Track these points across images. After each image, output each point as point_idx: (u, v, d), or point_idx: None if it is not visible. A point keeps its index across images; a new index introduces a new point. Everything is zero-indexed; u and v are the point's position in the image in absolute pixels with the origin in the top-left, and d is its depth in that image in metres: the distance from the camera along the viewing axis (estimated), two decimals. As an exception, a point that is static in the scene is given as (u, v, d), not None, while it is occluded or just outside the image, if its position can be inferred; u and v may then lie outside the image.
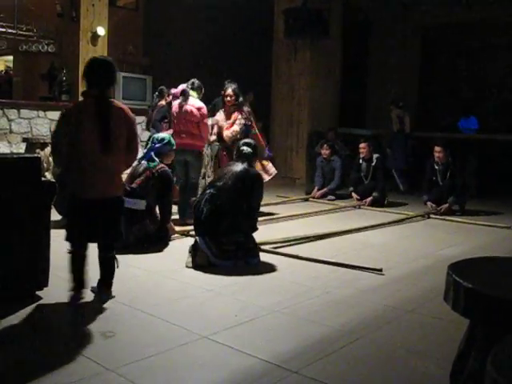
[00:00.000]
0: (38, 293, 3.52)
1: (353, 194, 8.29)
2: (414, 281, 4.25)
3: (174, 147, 5.45)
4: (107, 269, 3.57)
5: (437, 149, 7.50)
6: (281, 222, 6.55)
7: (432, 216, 7.17)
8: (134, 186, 5.01)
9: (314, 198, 8.56)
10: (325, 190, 8.63)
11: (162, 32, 10.92)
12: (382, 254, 5.06)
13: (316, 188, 8.70)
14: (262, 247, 4.90)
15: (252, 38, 11.38)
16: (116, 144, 3.38)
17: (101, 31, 8.12)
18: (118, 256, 3.63)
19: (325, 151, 8.72)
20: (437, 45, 12.13)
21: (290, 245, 5.28)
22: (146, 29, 10.86)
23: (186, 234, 5.49)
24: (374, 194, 7.95)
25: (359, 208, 7.88)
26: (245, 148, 4.79)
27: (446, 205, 7.32)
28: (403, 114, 9.87)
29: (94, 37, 8.12)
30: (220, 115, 6.77)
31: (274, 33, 10.83)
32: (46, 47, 9.17)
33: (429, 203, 7.51)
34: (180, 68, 10.76)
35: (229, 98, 6.61)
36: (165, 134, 5.55)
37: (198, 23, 11.13)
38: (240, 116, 6.57)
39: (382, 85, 11.88)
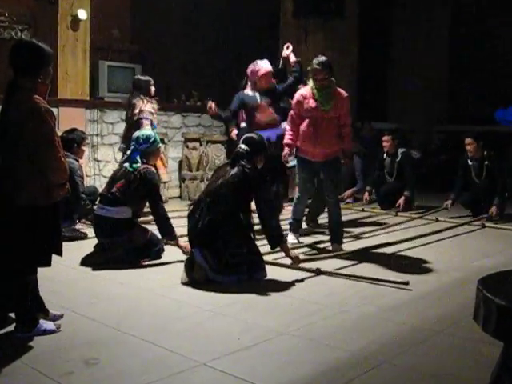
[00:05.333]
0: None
1: (365, 195, 8.27)
2: (443, 297, 4.25)
3: (160, 145, 5.47)
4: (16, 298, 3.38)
5: (467, 141, 7.47)
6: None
7: (487, 225, 7.09)
8: (113, 190, 5.03)
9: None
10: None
11: (152, 14, 10.94)
12: (407, 265, 5.06)
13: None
14: (269, 259, 4.91)
15: (257, 19, 11.39)
16: (14, 144, 3.27)
17: (82, 14, 8.15)
18: (102, 272, 3.65)
19: None
20: (469, 23, 12.10)
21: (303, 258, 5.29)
22: (134, 11, 10.88)
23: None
24: (406, 192, 7.88)
25: (395, 215, 7.78)
26: (243, 146, 4.78)
27: (493, 208, 7.26)
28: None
29: (75, 21, 8.16)
30: None
31: (281, 13, 10.85)
32: (19, 33, 9.20)
33: (448, 202, 7.55)
34: (174, 55, 10.79)
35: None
36: (149, 132, 5.53)
37: (194, 3, 11.16)
38: None
39: (405, 72, 11.87)
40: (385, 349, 3.25)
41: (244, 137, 4.93)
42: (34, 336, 3.29)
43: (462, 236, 6.54)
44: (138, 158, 5.13)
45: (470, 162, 7.55)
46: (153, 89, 7.18)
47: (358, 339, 3.39)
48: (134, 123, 6.95)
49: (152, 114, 7.03)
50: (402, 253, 5.60)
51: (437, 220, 7.36)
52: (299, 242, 5.82)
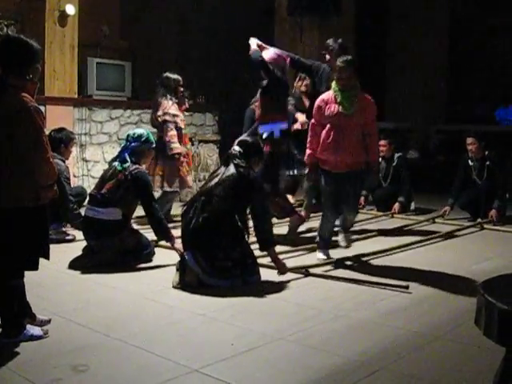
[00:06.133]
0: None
1: (361, 200, 8.16)
2: (443, 301, 4.25)
3: (154, 145, 5.44)
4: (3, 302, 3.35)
5: (469, 140, 7.46)
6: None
7: (465, 224, 7.15)
8: (103, 191, 5.01)
9: None
10: None
11: (143, 10, 10.94)
12: (406, 269, 5.06)
13: None
14: (263, 262, 4.91)
15: (250, 16, 11.40)
16: (1, 144, 3.24)
17: (70, 10, 8.13)
18: (91, 275, 3.64)
19: None
20: (468, 20, 12.14)
21: (296, 256, 5.31)
22: (123, 6, 10.87)
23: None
24: (400, 198, 7.88)
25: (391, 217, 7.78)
26: (236, 148, 4.79)
27: (493, 211, 7.22)
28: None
29: (62, 16, 8.14)
30: None
31: (275, 10, 10.86)
32: (5, 29, 9.20)
33: (447, 209, 7.49)
34: (165, 52, 10.79)
35: None
36: (142, 130, 5.48)
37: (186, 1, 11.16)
38: None
39: (403, 71, 11.90)
40: (382, 354, 3.25)
41: (238, 140, 4.97)
42: (20, 342, 3.27)
43: (461, 238, 6.55)
44: (128, 156, 5.11)
45: (470, 163, 7.54)
46: (181, 89, 7.04)
47: (354, 344, 3.39)
48: (158, 125, 6.90)
49: (176, 116, 6.82)
50: (401, 256, 5.61)
51: (433, 222, 7.37)
52: (329, 258, 5.31)
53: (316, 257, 5.31)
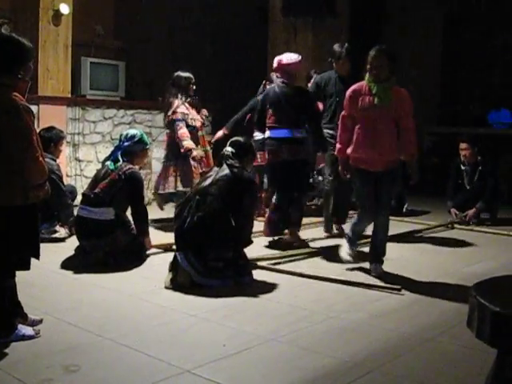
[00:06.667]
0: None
1: None
2: (435, 303, 4.27)
3: (148, 146, 5.45)
4: None
5: (462, 146, 7.49)
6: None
7: (457, 226, 7.20)
8: (96, 191, 5.01)
9: None
10: None
11: (137, 10, 10.92)
12: (398, 271, 5.07)
13: None
14: (256, 263, 4.91)
15: (243, 17, 11.39)
16: None
17: (64, 9, 8.10)
18: (83, 275, 3.63)
19: None
20: (464, 24, 12.16)
21: (290, 261, 5.30)
22: (118, 6, 10.85)
23: (167, 248, 5.48)
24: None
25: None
26: (228, 149, 4.81)
27: (472, 210, 7.30)
28: None
29: (56, 15, 8.10)
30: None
31: (269, 11, 10.86)
32: (-1, 28, 9.19)
33: (453, 210, 7.52)
34: (159, 52, 10.77)
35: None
36: (136, 131, 5.47)
37: (180, 0, 11.14)
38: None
39: (397, 71, 11.90)
40: (374, 356, 3.26)
41: (230, 140, 4.98)
42: (11, 341, 3.26)
43: (453, 241, 6.56)
44: (120, 156, 5.11)
45: (462, 167, 7.57)
46: (193, 87, 6.93)
47: (346, 346, 3.39)
48: (168, 125, 6.85)
49: (186, 114, 6.71)
50: (392, 258, 5.61)
51: (453, 227, 7.26)
52: (353, 258, 5.09)
53: (342, 250, 5.14)
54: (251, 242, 4.77)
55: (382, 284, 4.53)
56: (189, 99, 6.87)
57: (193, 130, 6.72)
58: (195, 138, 6.73)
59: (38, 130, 3.47)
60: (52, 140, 6.16)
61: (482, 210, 7.37)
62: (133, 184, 5.05)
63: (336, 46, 6.31)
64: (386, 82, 4.74)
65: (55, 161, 6.15)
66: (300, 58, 6.01)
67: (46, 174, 3.38)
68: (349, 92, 4.89)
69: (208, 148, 7.12)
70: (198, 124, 6.87)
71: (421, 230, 6.96)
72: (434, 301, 4.32)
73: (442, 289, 4.62)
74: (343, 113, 4.94)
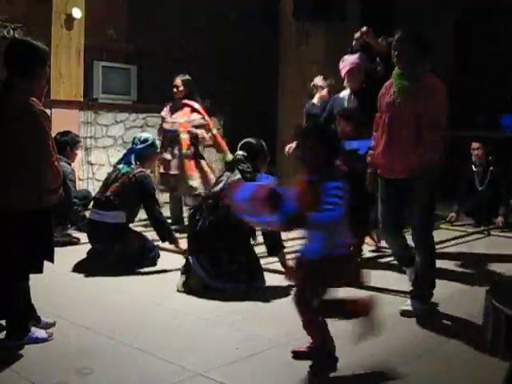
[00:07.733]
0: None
1: None
2: (451, 307, 4.22)
3: (158, 150, 5.47)
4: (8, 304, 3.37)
5: (475, 145, 7.44)
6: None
7: (493, 233, 7.07)
8: (108, 194, 5.02)
9: None
10: None
11: (149, 14, 10.96)
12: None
13: None
14: (269, 267, 4.90)
15: (255, 20, 11.41)
16: (7, 147, 3.25)
17: (77, 13, 8.15)
18: (96, 278, 3.64)
19: None
20: (474, 26, 12.11)
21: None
22: (130, 10, 10.89)
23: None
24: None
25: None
26: (239, 152, 4.78)
27: (501, 217, 7.20)
28: None
29: (69, 20, 8.16)
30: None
31: (280, 15, 10.87)
32: (12, 32, 9.20)
33: (454, 214, 7.44)
34: (171, 56, 10.79)
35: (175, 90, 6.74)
36: (148, 134, 5.51)
37: (192, 4, 11.17)
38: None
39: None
40: (389, 359, 3.25)
41: (240, 143, 4.95)
42: (25, 344, 3.28)
43: (467, 244, 6.53)
44: (133, 159, 5.13)
45: (474, 168, 7.52)
46: (174, 89, 6.89)
47: (359, 350, 3.37)
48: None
49: (163, 118, 6.91)
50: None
51: (489, 234, 7.16)
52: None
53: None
54: (282, 246, 4.64)
55: (395, 288, 4.49)
56: (171, 102, 6.91)
57: (173, 134, 6.64)
58: (174, 141, 6.63)
59: (52, 134, 3.48)
60: (68, 144, 6.22)
61: (505, 213, 7.27)
62: (143, 187, 5.05)
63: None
64: (411, 69, 3.91)
65: (70, 165, 6.20)
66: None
67: (60, 178, 3.39)
68: (382, 89, 4.18)
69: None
70: (181, 128, 6.65)
71: (456, 237, 6.75)
72: (448, 305, 4.24)
73: (456, 292, 4.57)
74: (378, 114, 4.21)
